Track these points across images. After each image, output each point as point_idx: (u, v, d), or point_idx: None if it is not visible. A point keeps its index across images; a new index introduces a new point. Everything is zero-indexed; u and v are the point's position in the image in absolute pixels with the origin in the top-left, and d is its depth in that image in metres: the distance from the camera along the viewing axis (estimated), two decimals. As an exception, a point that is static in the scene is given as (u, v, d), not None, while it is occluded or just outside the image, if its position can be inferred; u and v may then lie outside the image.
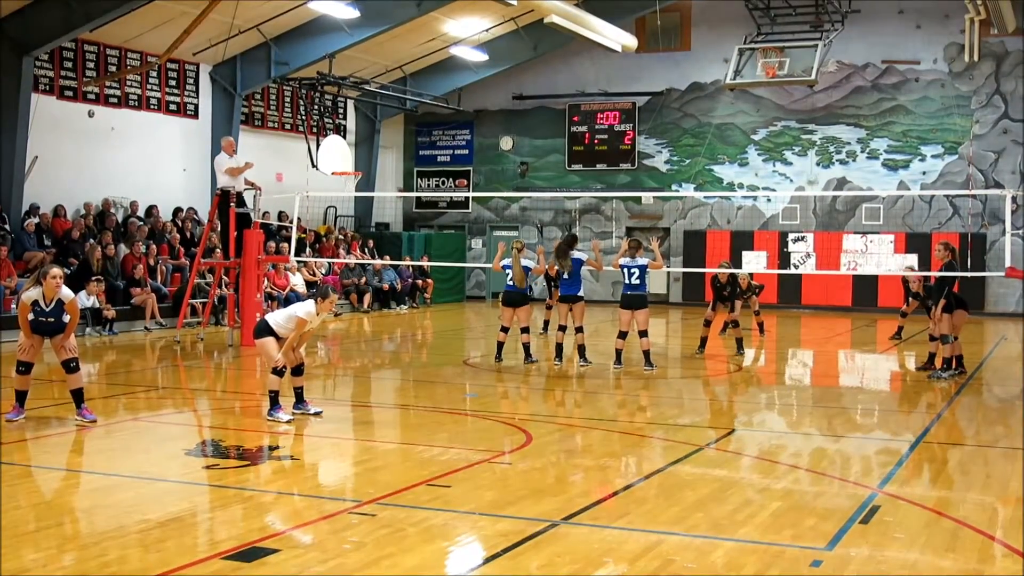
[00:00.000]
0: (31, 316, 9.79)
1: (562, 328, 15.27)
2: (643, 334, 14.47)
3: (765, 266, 26.92)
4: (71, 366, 9.89)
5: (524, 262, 14.99)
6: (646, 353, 14.47)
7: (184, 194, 23.98)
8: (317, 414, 10.45)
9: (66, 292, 9.93)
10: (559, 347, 15.14)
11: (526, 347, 15.20)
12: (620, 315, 14.65)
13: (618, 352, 14.53)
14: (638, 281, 14.39)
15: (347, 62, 25.43)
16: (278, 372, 10.16)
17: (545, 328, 19.85)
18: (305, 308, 10.21)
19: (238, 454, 8.84)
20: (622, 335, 14.59)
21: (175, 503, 7.22)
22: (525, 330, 15.14)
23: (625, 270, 14.49)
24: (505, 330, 15.21)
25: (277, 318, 10.38)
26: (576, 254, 14.90)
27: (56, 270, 9.90)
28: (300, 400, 10.47)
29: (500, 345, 15.22)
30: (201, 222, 23.24)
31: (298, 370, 10.43)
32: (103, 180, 22.08)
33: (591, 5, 24.59)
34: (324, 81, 24.69)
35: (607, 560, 6.02)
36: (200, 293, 19.04)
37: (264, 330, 10.31)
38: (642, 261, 14.49)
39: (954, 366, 14.11)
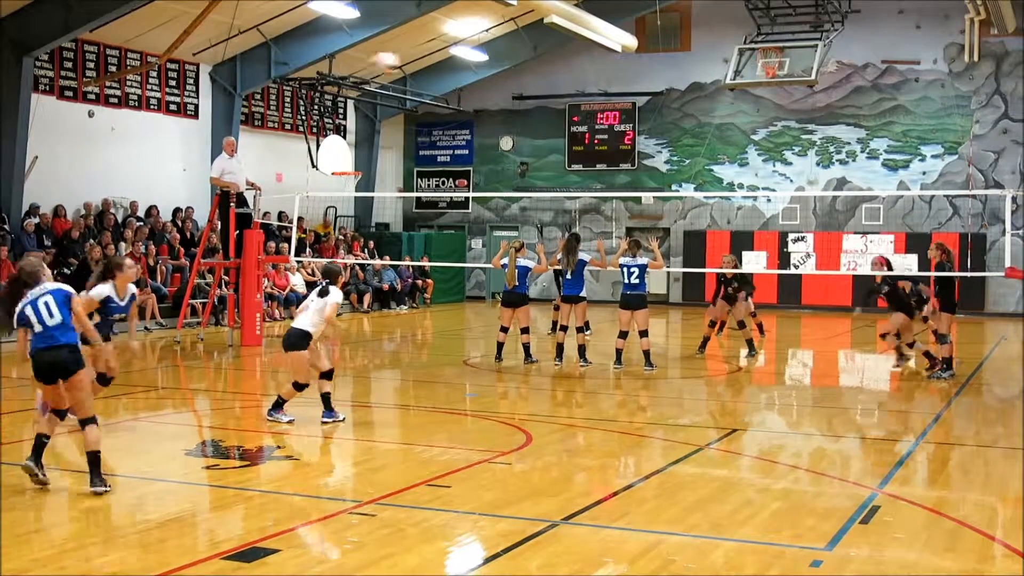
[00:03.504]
0: (98, 314, 9.28)
1: (563, 328, 15.26)
2: (643, 334, 14.47)
3: (765, 266, 26.93)
4: (107, 378, 9.59)
5: (523, 261, 14.94)
6: (646, 353, 14.47)
7: (184, 194, 23.98)
8: (343, 420, 10.27)
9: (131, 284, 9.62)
10: (560, 347, 15.14)
11: (526, 347, 15.20)
12: (619, 315, 14.64)
13: (618, 352, 14.53)
14: (637, 281, 14.38)
15: (347, 62, 25.44)
16: (300, 388, 10.02)
17: (553, 329, 19.84)
18: (337, 296, 10.08)
19: (238, 454, 8.84)
20: (622, 335, 14.59)
21: (175, 503, 7.22)
22: (525, 330, 15.14)
23: (625, 269, 14.48)
24: (505, 330, 15.21)
25: (311, 320, 10.05)
26: (579, 254, 14.88)
27: (131, 259, 9.68)
28: (328, 407, 10.19)
29: (500, 345, 15.22)
30: (200, 222, 23.24)
31: (328, 375, 10.24)
32: (103, 180, 22.06)
33: (591, 5, 24.59)
34: (324, 81, 24.69)
35: (607, 560, 6.02)
36: (200, 293, 19.03)
37: (300, 339, 9.99)
38: (642, 261, 14.48)
39: (940, 366, 14.11)
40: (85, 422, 7.45)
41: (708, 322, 16.95)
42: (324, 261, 24.82)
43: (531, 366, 14.91)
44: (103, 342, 8.81)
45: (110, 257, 10.05)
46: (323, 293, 10.15)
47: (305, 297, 10.26)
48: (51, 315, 7.46)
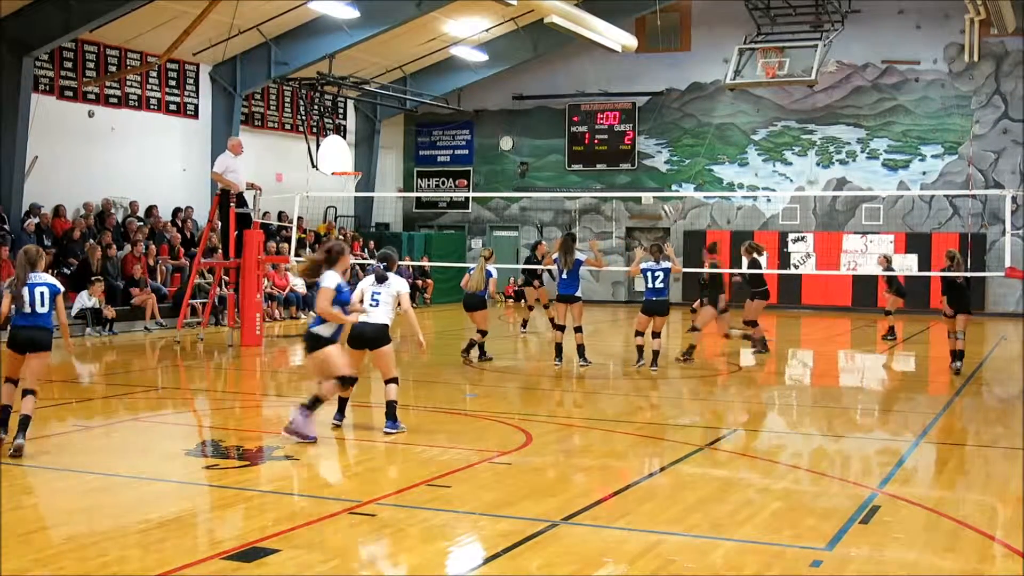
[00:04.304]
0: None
1: (560, 328, 15.23)
2: (656, 335, 14.43)
3: (765, 266, 26.88)
4: (349, 378, 9.26)
5: (490, 268, 15.06)
6: (655, 353, 14.39)
7: (184, 194, 23.98)
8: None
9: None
10: (559, 347, 15.11)
11: (480, 347, 15.40)
12: (639, 318, 14.53)
13: (640, 348, 14.45)
14: (662, 285, 14.21)
15: (347, 62, 25.43)
16: (395, 381, 9.69)
17: (524, 326, 20.01)
18: (403, 285, 9.77)
19: (238, 454, 8.84)
20: (639, 334, 14.51)
21: (175, 503, 7.22)
22: (483, 333, 15.39)
23: (648, 274, 14.27)
24: (483, 333, 15.46)
25: (386, 312, 9.65)
26: (576, 254, 14.86)
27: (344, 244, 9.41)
28: (342, 411, 10.01)
29: (480, 346, 15.46)
30: (200, 222, 23.24)
31: (352, 381, 9.90)
32: (103, 180, 22.07)
33: (591, 5, 24.59)
34: (324, 81, 24.69)
35: (607, 560, 6.02)
36: (200, 293, 19.02)
37: (386, 333, 9.62)
38: (665, 264, 14.32)
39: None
40: (28, 391, 8.60)
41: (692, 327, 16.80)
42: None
43: (486, 363, 15.00)
44: (331, 343, 9.17)
45: (330, 244, 9.49)
46: (381, 279, 9.69)
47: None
48: (42, 304, 8.60)
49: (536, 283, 20.23)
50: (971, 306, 15.13)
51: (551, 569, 5.83)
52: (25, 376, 8.65)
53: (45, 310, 8.61)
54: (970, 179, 26.30)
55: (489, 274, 15.27)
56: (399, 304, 9.77)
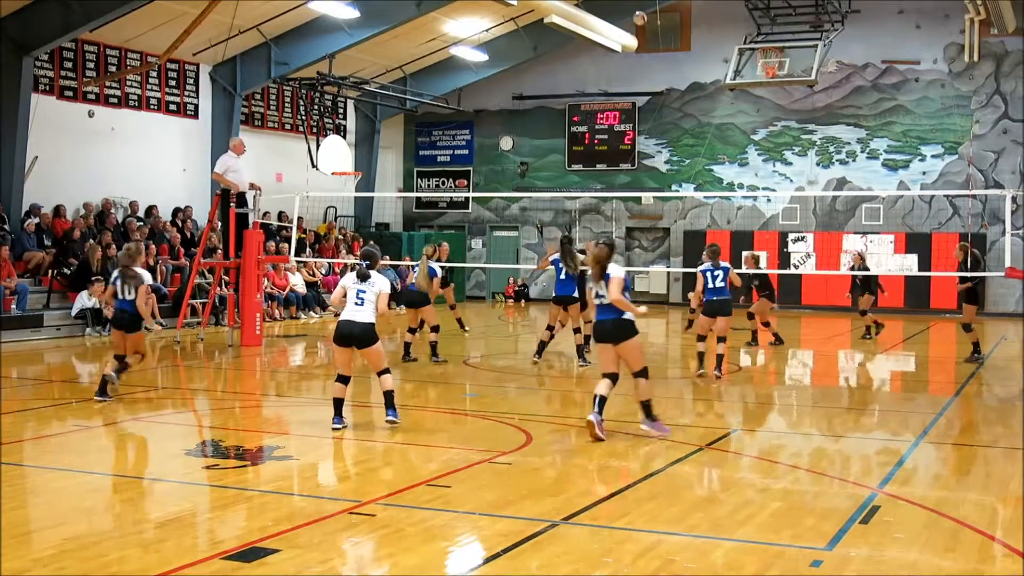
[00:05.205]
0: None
1: (550, 328, 15.20)
2: (721, 339, 13.93)
3: (765, 266, 26.90)
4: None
5: (433, 264, 15.00)
6: (720, 357, 13.85)
7: (184, 194, 23.99)
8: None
9: None
10: (542, 344, 15.07)
11: (433, 346, 15.25)
12: (700, 321, 14.09)
13: (701, 356, 13.94)
14: (722, 284, 13.75)
15: (347, 62, 25.44)
16: (387, 371, 9.92)
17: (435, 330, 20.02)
18: (385, 285, 9.79)
19: (238, 454, 8.84)
20: (701, 339, 14.04)
21: (175, 503, 7.22)
22: (435, 329, 15.27)
23: (708, 274, 13.74)
24: (412, 331, 15.38)
25: (371, 311, 9.71)
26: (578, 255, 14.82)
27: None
28: (339, 415, 9.95)
29: (407, 345, 15.32)
30: (200, 222, 23.24)
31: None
32: (103, 180, 22.08)
33: (591, 5, 24.59)
34: (324, 81, 24.70)
35: (607, 560, 6.02)
36: (200, 293, 19.01)
37: (374, 331, 9.78)
38: (724, 264, 13.86)
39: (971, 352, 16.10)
40: (118, 356, 11.31)
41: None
42: (325, 262, 25.04)
43: (439, 365, 14.90)
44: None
45: (608, 239, 9.80)
46: (363, 277, 9.70)
47: (326, 292, 9.61)
48: (129, 292, 11.15)
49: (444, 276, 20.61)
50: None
51: (551, 569, 5.83)
52: (128, 352, 11.31)
53: (132, 297, 11.10)
54: (970, 179, 26.31)
55: (433, 272, 15.08)
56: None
